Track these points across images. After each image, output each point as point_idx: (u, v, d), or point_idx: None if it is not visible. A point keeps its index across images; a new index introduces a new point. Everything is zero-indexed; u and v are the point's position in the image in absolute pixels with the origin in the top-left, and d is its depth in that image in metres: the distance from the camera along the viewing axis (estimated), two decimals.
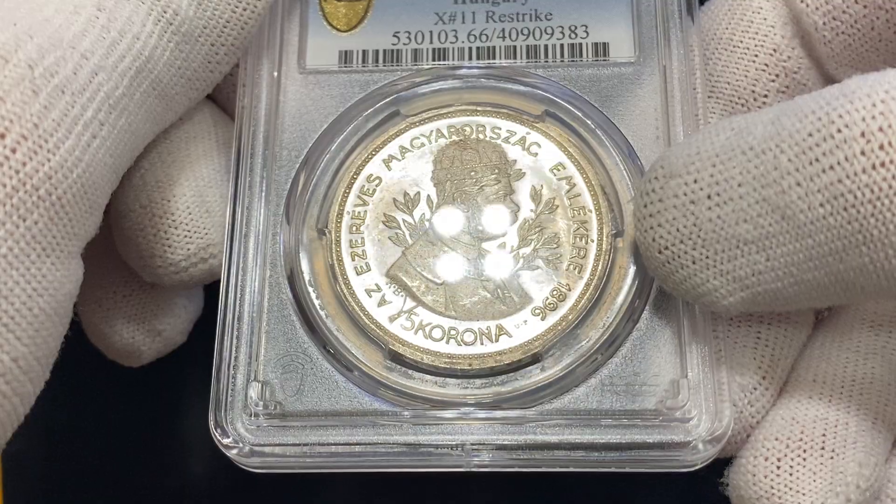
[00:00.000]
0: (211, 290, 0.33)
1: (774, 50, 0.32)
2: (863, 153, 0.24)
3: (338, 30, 0.35)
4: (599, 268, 0.31)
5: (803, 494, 0.28)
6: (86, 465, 0.41)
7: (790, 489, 0.28)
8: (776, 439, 0.29)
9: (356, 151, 0.33)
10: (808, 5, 0.31)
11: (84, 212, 0.26)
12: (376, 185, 0.32)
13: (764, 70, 0.32)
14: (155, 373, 0.34)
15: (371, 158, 0.33)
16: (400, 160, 0.32)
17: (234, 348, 0.30)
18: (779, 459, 0.29)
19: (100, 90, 0.27)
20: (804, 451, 0.29)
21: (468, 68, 0.34)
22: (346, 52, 0.34)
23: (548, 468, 0.29)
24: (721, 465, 0.30)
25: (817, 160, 0.25)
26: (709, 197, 0.27)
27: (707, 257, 0.27)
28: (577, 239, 0.31)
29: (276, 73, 0.34)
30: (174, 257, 0.31)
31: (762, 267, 0.26)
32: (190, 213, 0.31)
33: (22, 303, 0.24)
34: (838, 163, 0.24)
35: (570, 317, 0.30)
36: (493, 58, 0.34)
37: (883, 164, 0.24)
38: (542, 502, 0.36)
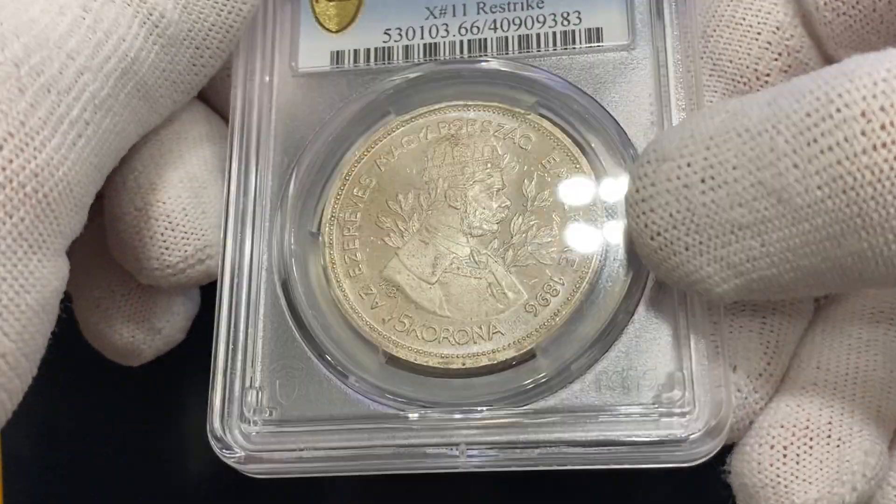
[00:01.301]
0: (206, 288, 0.33)
1: (777, 28, 0.31)
2: (863, 133, 0.23)
3: (329, 30, 0.34)
4: (593, 261, 0.30)
5: (809, 483, 0.28)
6: (86, 466, 0.41)
7: (796, 477, 0.28)
8: (781, 426, 0.28)
9: (348, 154, 0.33)
10: None
11: (69, 210, 0.26)
12: (368, 187, 0.32)
13: (767, 48, 0.31)
14: (154, 372, 0.35)
15: (363, 160, 0.32)
16: (392, 160, 0.32)
17: (230, 355, 0.30)
18: (785, 447, 0.28)
19: (85, 90, 0.27)
20: (810, 438, 0.28)
21: (458, 63, 0.33)
22: (337, 52, 0.34)
23: (545, 466, 0.29)
24: (720, 454, 0.29)
25: (815, 141, 0.24)
26: (703, 181, 0.26)
27: (700, 243, 0.26)
28: (574, 229, 0.30)
29: (267, 78, 0.34)
30: (171, 259, 0.31)
31: (757, 253, 0.26)
32: (186, 215, 0.32)
33: (9, 299, 0.25)
34: (837, 143, 0.23)
35: (563, 311, 0.30)
36: (485, 50, 0.33)
37: (885, 145, 0.23)
38: (542, 499, 0.35)
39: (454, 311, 0.30)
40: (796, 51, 0.31)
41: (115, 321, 0.33)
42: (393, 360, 0.30)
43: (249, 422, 0.30)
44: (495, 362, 0.30)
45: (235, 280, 0.31)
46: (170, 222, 0.31)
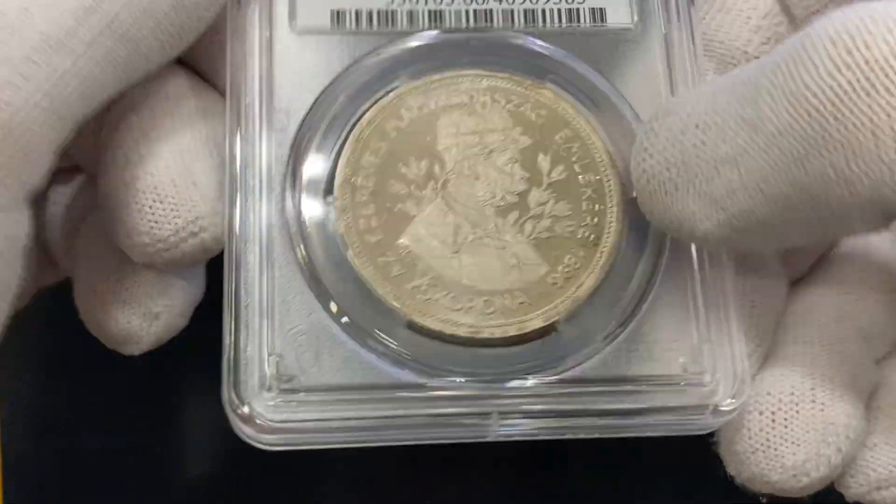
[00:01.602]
0: (214, 274, 0.31)
1: (766, 14, 0.33)
2: (829, 57, 0.24)
3: None
4: (613, 233, 0.31)
5: (798, 445, 0.29)
6: (86, 463, 0.39)
7: (785, 440, 0.30)
8: (768, 394, 0.30)
9: (360, 120, 0.31)
10: None
11: (17, 159, 0.25)
12: (380, 152, 0.31)
13: (756, 32, 0.33)
14: (157, 368, 0.32)
15: (374, 123, 0.31)
16: (404, 127, 0.32)
17: (244, 323, 0.29)
18: (773, 413, 0.30)
19: (33, 29, 0.25)
20: (796, 403, 0.30)
21: (470, 32, 0.33)
22: (338, 11, 0.33)
23: (572, 436, 0.29)
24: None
25: (788, 70, 0.25)
26: (696, 126, 0.27)
27: (688, 181, 0.28)
28: (590, 204, 0.31)
29: (267, 34, 0.32)
30: (162, 233, 0.29)
31: (736, 185, 0.27)
32: (175, 186, 0.30)
33: None
34: (805, 68, 0.25)
35: (585, 283, 0.30)
36: (491, 21, 0.33)
37: (848, 67, 0.24)
38: (545, 498, 0.36)
39: (478, 280, 0.30)
40: (784, 36, 0.33)
41: (111, 306, 0.31)
42: (415, 328, 0.30)
43: (268, 388, 0.28)
44: (521, 333, 0.30)
45: (244, 249, 0.30)
46: (157, 194, 0.29)
